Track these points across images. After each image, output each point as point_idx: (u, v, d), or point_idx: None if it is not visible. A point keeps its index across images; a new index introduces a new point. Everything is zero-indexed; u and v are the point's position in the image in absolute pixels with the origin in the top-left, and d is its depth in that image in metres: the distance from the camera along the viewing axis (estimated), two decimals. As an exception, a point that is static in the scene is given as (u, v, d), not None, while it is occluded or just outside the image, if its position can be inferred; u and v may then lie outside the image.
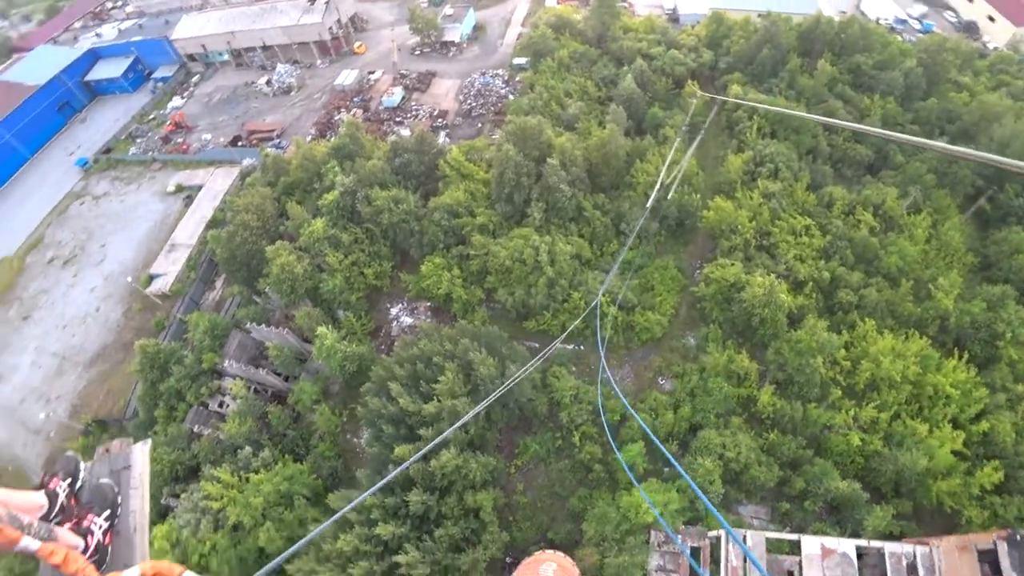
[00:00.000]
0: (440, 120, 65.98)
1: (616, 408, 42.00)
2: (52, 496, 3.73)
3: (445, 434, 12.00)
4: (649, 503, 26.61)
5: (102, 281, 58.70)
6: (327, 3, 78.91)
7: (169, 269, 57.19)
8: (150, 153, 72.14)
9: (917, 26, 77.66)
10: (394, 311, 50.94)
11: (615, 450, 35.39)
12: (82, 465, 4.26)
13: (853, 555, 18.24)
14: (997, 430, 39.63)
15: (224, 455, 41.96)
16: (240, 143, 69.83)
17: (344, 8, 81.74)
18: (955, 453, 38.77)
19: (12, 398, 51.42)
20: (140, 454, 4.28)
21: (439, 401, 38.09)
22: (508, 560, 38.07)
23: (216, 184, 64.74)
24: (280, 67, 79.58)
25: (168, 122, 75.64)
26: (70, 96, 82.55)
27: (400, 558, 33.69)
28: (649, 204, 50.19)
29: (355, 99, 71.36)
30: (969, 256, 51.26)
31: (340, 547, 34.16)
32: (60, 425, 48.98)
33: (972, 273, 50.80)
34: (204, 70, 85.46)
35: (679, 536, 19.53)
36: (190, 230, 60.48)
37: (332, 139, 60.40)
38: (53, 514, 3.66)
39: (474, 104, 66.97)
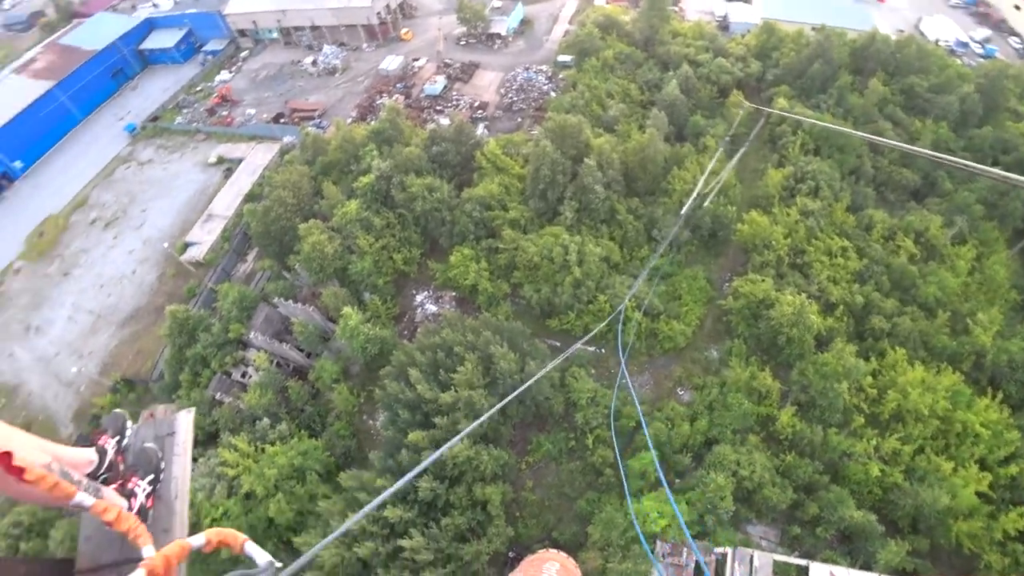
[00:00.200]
0: (480, 112, 66.05)
1: (632, 415, 41.75)
2: (101, 453, 3.73)
3: (469, 428, 12.05)
4: (678, 512, 26.38)
5: (140, 245, 60.33)
6: (378, -12, 79.58)
7: (204, 238, 58.52)
8: (195, 124, 73.71)
9: (979, 50, 74.63)
10: (419, 298, 51.31)
11: (617, 458, 34.64)
12: (128, 424, 4.27)
13: (864, 587, 17.85)
14: (1027, 475, 38.26)
15: (243, 424, 42.89)
16: (282, 120, 70.91)
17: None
18: (980, 495, 37.44)
19: (48, 351, 53.26)
20: (185, 422, 4.32)
21: (456, 391, 38.31)
22: (511, 555, 38.16)
23: (256, 159, 65.91)
24: (327, 48, 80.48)
25: (215, 95, 77.25)
26: (124, 63, 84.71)
27: (405, 542, 34.08)
28: (683, 212, 49.62)
29: (398, 85, 71.85)
30: (1013, 293, 49.45)
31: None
32: (90, 380, 50.58)
33: (1014, 311, 49.00)
34: (253, 46, 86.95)
35: (685, 547, 19.35)
36: (227, 202, 61.74)
37: (372, 123, 60.98)
38: (100, 472, 3.65)
39: (515, 98, 66.83)
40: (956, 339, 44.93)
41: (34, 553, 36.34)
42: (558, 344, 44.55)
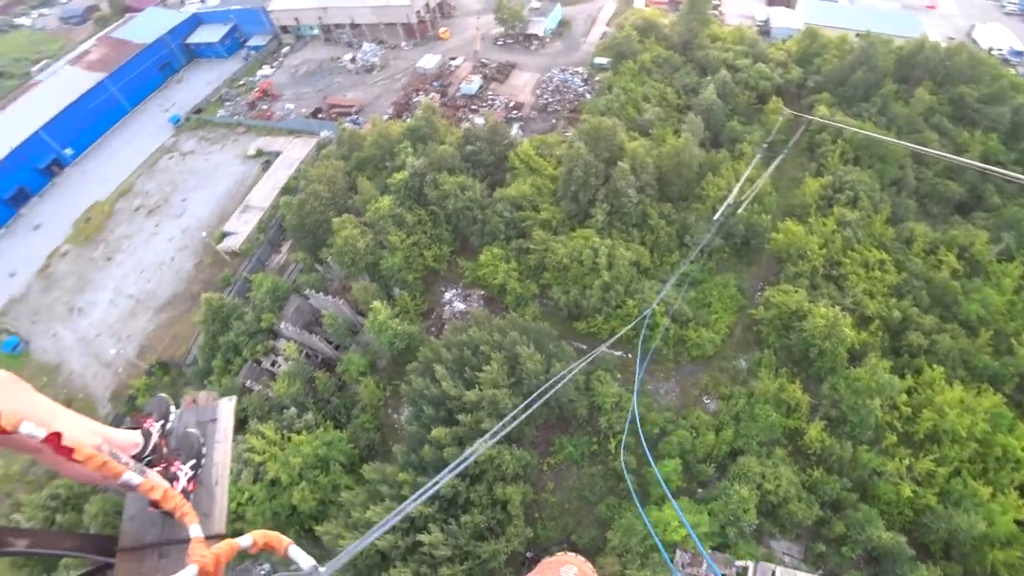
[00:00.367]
0: (515, 112, 66.20)
1: (656, 421, 41.34)
2: (146, 436, 3.82)
3: (505, 429, 12.11)
4: (686, 522, 26.09)
5: (180, 233, 62.10)
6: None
7: (241, 229, 59.93)
8: (236, 117, 75.53)
9: (1035, 60, 72.10)
10: (448, 295, 51.67)
11: (623, 467, 34.28)
12: (172, 408, 4.36)
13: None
14: (1069, 506, 36.65)
15: (271, 412, 43.73)
16: (320, 115, 72.25)
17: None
18: (1019, 523, 36.11)
19: (89, 332, 55.23)
20: (226, 409, 4.41)
21: (480, 389, 38.45)
22: (529, 556, 38.16)
23: (293, 152, 67.25)
24: (366, 45, 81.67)
25: (256, 89, 79.01)
26: (171, 57, 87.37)
27: (424, 537, 34.32)
28: (716, 218, 48.89)
29: (434, 83, 72.47)
30: (1061, 314, 47.43)
31: (369, 516, 35.12)
32: (127, 362, 52.30)
33: (1063, 332, 47.01)
34: (294, 42, 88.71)
35: (705, 559, 19.08)
36: (264, 194, 63.13)
37: (408, 120, 61.58)
38: (145, 455, 3.74)
39: (550, 99, 66.80)
40: (999, 359, 43.30)
41: (69, 525, 37.76)
42: (585, 347, 44.30)
